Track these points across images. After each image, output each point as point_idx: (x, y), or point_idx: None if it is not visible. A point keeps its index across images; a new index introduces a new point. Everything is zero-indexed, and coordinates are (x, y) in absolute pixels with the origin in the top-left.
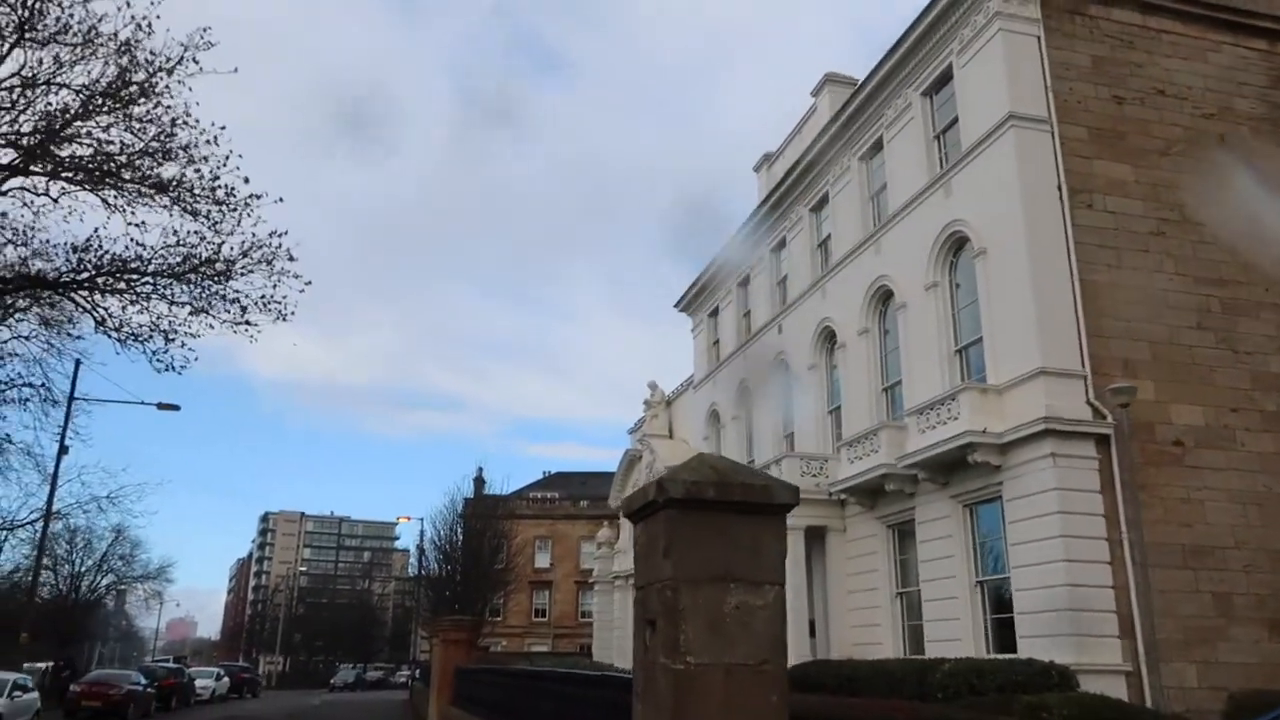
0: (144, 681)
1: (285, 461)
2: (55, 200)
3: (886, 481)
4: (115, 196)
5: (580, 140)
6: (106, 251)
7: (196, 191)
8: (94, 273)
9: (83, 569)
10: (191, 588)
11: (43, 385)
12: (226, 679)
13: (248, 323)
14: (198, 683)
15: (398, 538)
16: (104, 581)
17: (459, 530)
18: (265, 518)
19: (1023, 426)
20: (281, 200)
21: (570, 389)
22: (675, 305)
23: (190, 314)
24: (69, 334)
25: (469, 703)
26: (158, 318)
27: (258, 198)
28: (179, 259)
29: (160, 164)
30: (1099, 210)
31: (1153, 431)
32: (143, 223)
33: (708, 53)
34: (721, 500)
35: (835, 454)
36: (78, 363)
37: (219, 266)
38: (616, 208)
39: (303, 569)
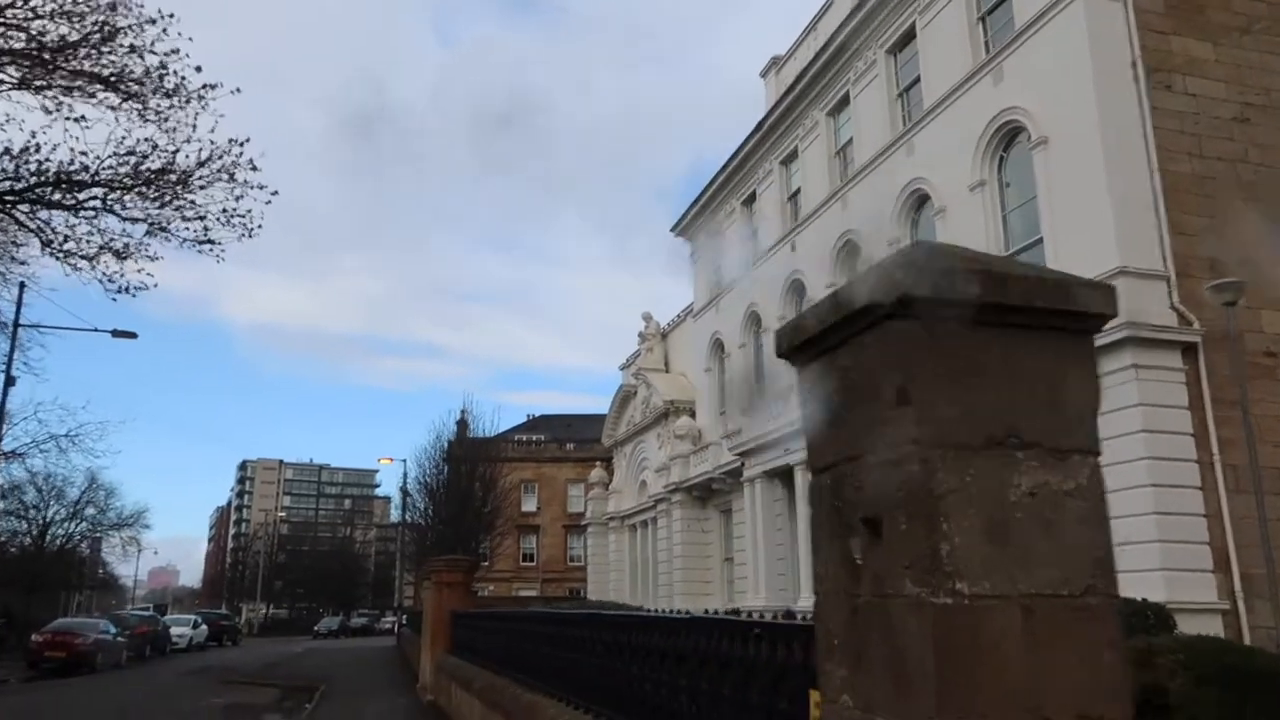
0: (113, 630)
1: (264, 410)
2: None
3: None
4: (54, 97)
5: (572, 87)
6: (47, 159)
7: (142, 83)
8: (34, 182)
9: (54, 517)
10: (173, 536)
11: None
12: (205, 627)
13: (210, 241)
14: (173, 631)
15: (378, 485)
16: (77, 529)
17: (444, 470)
18: (243, 465)
19: (1102, 335)
20: (239, 91)
21: (555, 339)
22: (672, 229)
23: (147, 233)
24: (13, 258)
25: (469, 652)
26: (110, 237)
27: (212, 88)
28: (129, 169)
29: (100, 55)
30: (1178, 93)
31: (1241, 341)
32: (83, 117)
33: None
34: (999, 305)
35: None
36: (22, 285)
37: (174, 177)
38: (607, 157)
39: (282, 514)
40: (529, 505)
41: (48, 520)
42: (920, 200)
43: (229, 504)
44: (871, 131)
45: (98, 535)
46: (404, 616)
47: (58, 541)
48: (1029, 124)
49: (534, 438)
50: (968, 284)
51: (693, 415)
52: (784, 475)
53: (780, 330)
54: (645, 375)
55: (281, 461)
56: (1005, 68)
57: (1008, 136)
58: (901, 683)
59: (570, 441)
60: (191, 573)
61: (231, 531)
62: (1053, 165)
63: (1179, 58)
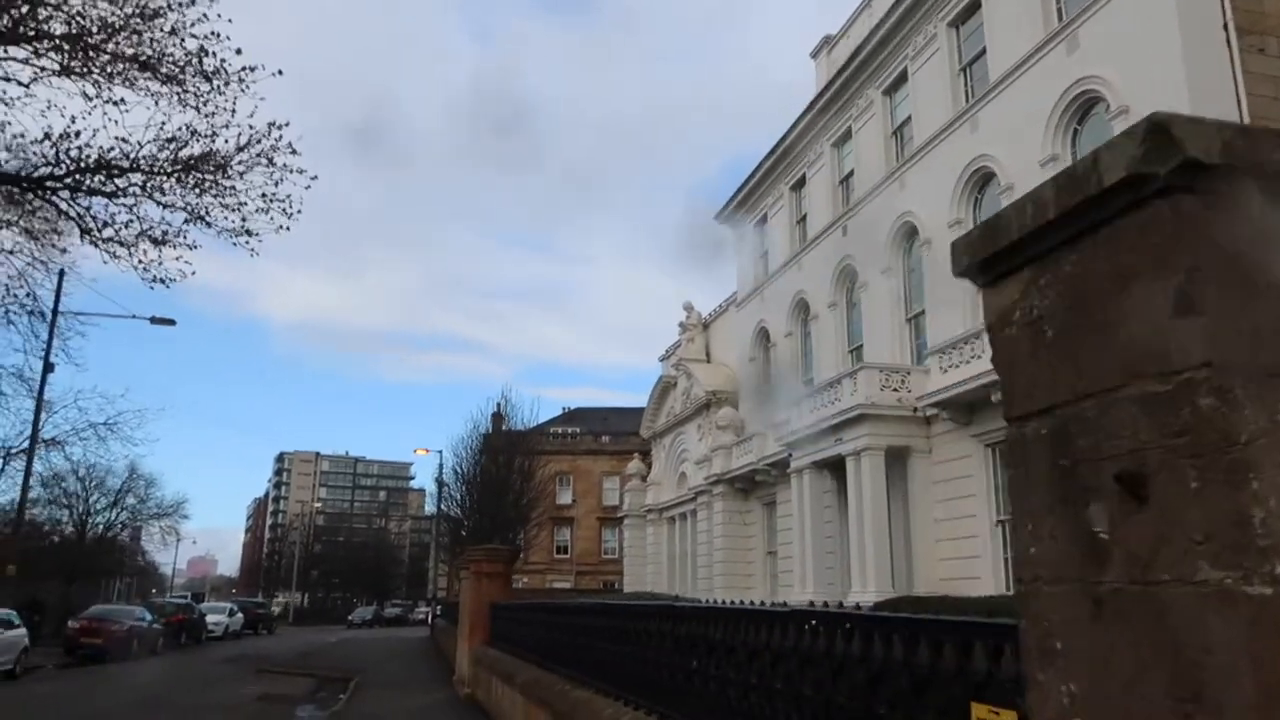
0: (149, 617)
1: (301, 404)
2: (27, 86)
3: (994, 390)
4: (94, 84)
5: (605, 87)
6: (87, 145)
7: (182, 67)
8: (74, 168)
9: (95, 506)
10: (212, 527)
11: (28, 295)
12: (240, 615)
13: (248, 232)
14: (209, 619)
15: (413, 477)
16: (119, 518)
17: (481, 460)
18: (280, 458)
19: None
20: (281, 73)
21: (588, 337)
22: (715, 216)
23: (185, 221)
24: (53, 245)
25: (510, 645)
26: (148, 225)
27: (251, 70)
28: (168, 155)
29: (140, 38)
30: (1271, 56)
31: None
32: (122, 100)
33: None
34: None
35: (921, 365)
36: (61, 272)
37: (213, 163)
38: (639, 153)
39: (318, 505)
40: (564, 498)
41: (88, 509)
42: (985, 179)
43: (266, 495)
44: (931, 109)
45: (138, 525)
46: (438, 607)
47: (98, 530)
48: (1107, 93)
49: (570, 430)
50: (1260, 149)
51: (735, 406)
52: (834, 466)
53: (962, 239)
54: (686, 365)
55: (318, 454)
56: (1081, 35)
57: (1083, 108)
58: (1189, 705)
59: (606, 434)
60: (229, 562)
61: (269, 522)
62: None
63: (1272, 19)
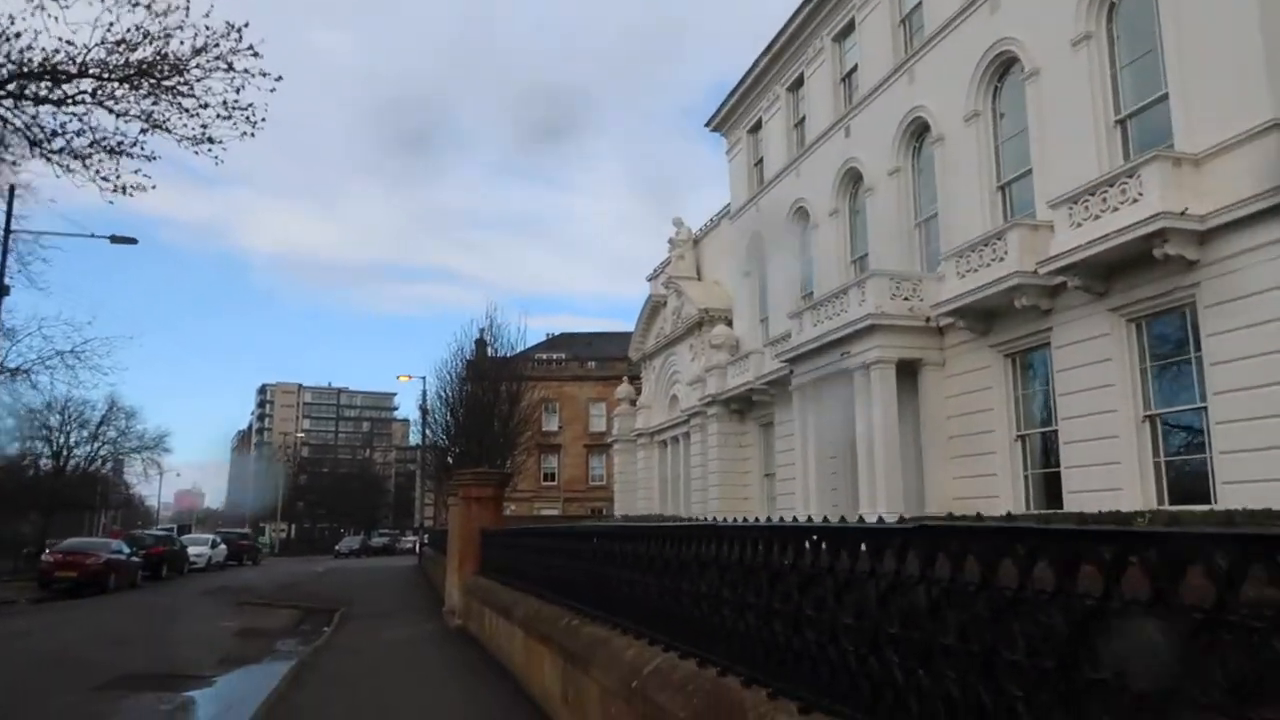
0: (127, 550)
1: (283, 337)
2: None
3: (1018, 295)
4: None
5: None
6: (28, 47)
7: None
8: (16, 72)
9: (75, 439)
10: (199, 460)
11: None
12: (223, 546)
13: (209, 140)
14: (191, 550)
15: (396, 408)
16: (100, 450)
17: (466, 385)
18: (263, 389)
19: (1242, 204)
20: None
21: (572, 265)
22: (706, 124)
23: (142, 131)
24: (3, 159)
25: (504, 575)
26: (102, 134)
27: None
28: (119, 60)
29: None
30: None
31: None
32: None
33: None
34: None
35: (935, 271)
36: (11, 188)
37: (168, 66)
38: (627, 82)
39: (301, 435)
40: (550, 425)
41: (66, 443)
42: (1007, 63)
43: (249, 427)
44: None
45: (120, 457)
46: (425, 536)
47: (79, 464)
48: None
49: (554, 356)
50: None
51: (729, 324)
52: (838, 381)
53: None
54: (677, 283)
55: (300, 385)
56: None
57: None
58: None
59: (592, 360)
60: (216, 495)
61: (253, 454)
62: (1180, 8)
63: None
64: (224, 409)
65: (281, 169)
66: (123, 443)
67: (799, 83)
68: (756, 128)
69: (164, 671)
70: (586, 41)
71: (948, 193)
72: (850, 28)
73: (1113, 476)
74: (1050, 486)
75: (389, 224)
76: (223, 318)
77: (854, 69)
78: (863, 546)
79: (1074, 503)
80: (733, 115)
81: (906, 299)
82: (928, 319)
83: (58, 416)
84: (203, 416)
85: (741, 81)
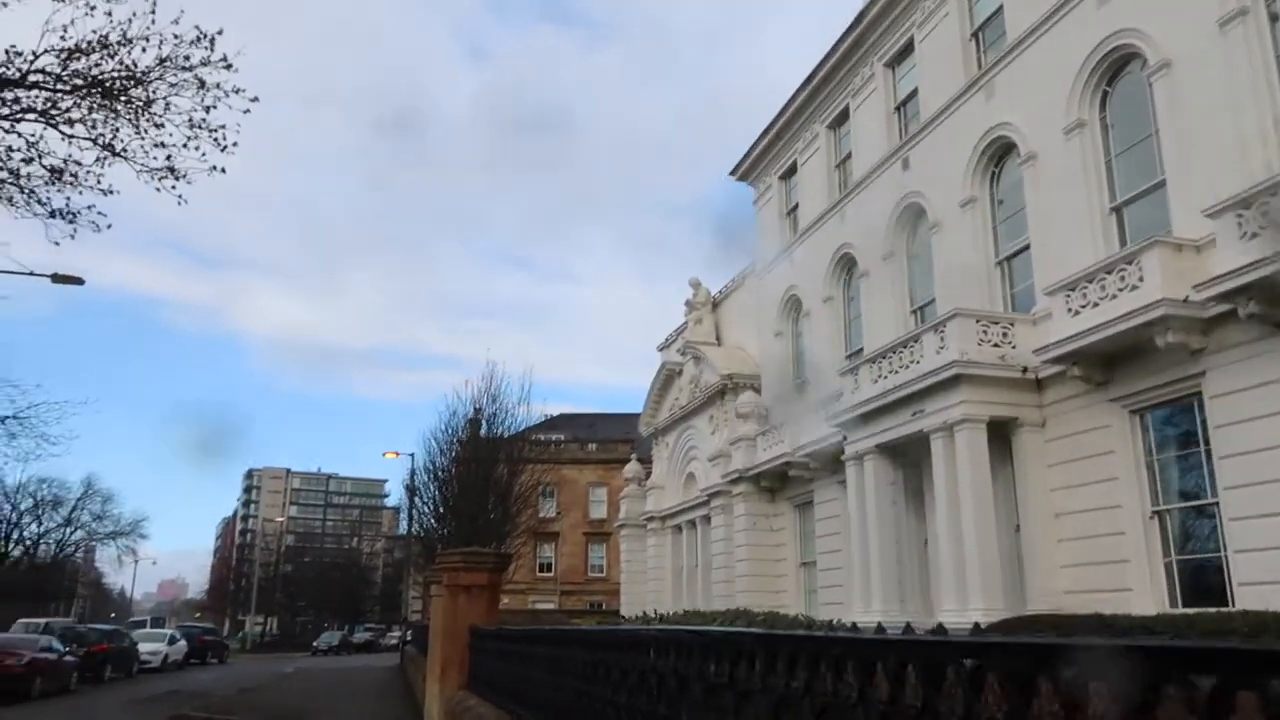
0: (60, 648)
1: (274, 423)
2: None
3: (1158, 331)
4: None
5: (591, 104)
6: None
7: None
8: None
9: (31, 528)
10: (183, 549)
11: None
12: (182, 643)
13: (172, 171)
14: (143, 648)
15: (387, 495)
16: (73, 536)
17: (456, 456)
18: (250, 474)
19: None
20: None
21: (572, 355)
22: (731, 173)
23: (97, 160)
24: None
25: (499, 693)
26: (42, 154)
27: None
28: (72, 71)
29: None
30: None
31: None
32: None
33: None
34: None
35: (1029, 311)
36: None
37: (128, 80)
38: (622, 174)
39: (280, 520)
40: (547, 510)
41: (41, 531)
42: (1124, 59)
43: (235, 514)
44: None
45: (91, 544)
46: (409, 631)
47: (50, 550)
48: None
49: (553, 437)
50: None
51: (757, 391)
52: (902, 450)
53: None
54: (695, 348)
55: (289, 470)
56: None
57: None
58: None
59: (593, 442)
60: (201, 585)
61: (237, 542)
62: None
63: None
64: (212, 495)
65: (280, 249)
66: (97, 528)
67: (843, 117)
68: (790, 172)
69: None
70: (610, 133)
71: (1043, 220)
72: (908, 49)
73: None
74: (1200, 578)
75: (388, 309)
76: (216, 404)
77: (912, 94)
78: None
79: (1247, 598)
80: (763, 160)
81: (996, 345)
82: (1024, 369)
83: (30, 500)
84: (190, 502)
85: (774, 123)
